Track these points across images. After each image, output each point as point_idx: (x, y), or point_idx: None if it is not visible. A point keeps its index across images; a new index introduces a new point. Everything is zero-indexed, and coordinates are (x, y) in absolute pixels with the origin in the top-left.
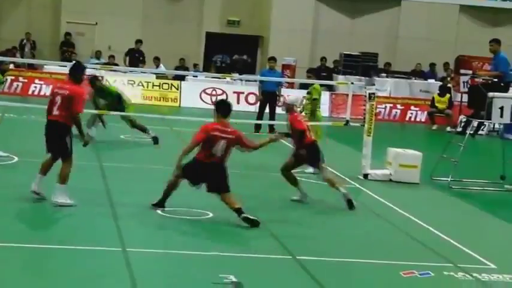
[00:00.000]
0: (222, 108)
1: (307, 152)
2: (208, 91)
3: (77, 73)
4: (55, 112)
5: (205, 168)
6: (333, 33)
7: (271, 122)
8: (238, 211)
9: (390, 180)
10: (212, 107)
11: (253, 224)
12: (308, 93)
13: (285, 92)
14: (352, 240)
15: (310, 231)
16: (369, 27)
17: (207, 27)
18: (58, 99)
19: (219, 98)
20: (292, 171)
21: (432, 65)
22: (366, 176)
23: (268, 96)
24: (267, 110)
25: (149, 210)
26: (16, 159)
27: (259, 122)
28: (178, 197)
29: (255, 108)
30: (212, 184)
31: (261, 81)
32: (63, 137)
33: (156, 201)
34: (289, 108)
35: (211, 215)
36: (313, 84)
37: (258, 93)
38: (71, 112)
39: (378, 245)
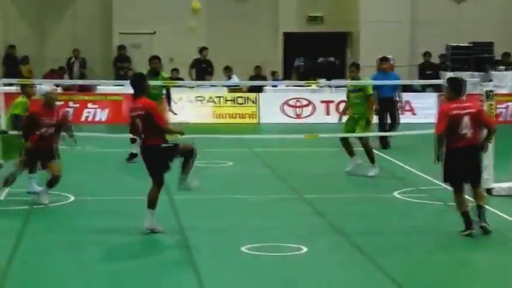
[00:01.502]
0: (455, 86)
1: None
2: (291, 102)
3: (138, 85)
4: (142, 136)
5: (463, 155)
6: (436, 22)
7: (394, 134)
8: (479, 211)
9: None
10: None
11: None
12: (354, 90)
13: (405, 96)
14: (482, 268)
15: (423, 257)
16: (480, 12)
17: (284, 27)
18: (138, 122)
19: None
20: None
21: None
22: (489, 191)
23: (385, 103)
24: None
25: (231, 249)
26: (72, 198)
27: (385, 134)
28: (265, 230)
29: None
30: (473, 176)
31: (376, 87)
32: (156, 158)
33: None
34: None
35: (305, 249)
36: (356, 75)
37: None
38: (158, 130)
39: None
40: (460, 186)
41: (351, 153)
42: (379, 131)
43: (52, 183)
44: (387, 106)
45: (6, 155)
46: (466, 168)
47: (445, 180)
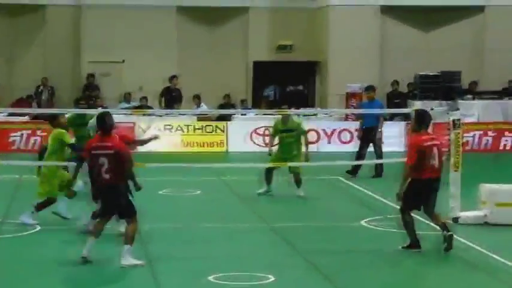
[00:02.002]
0: (418, 117)
1: None
2: (260, 131)
3: (104, 123)
4: (105, 176)
5: (430, 185)
6: (404, 51)
7: (380, 161)
8: (444, 227)
9: (485, 223)
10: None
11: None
12: (287, 130)
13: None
14: None
15: (392, 285)
16: (448, 41)
17: (253, 56)
18: (103, 161)
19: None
20: None
21: None
22: (455, 219)
23: (368, 133)
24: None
25: (198, 279)
26: (38, 228)
27: (359, 162)
28: (233, 259)
29: (316, 148)
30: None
31: (362, 115)
32: (124, 199)
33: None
34: None
35: (272, 278)
36: (288, 115)
37: (358, 129)
38: (125, 171)
39: None
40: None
41: (269, 181)
42: (356, 159)
43: None
44: (370, 135)
45: (44, 191)
46: (429, 196)
47: (409, 209)
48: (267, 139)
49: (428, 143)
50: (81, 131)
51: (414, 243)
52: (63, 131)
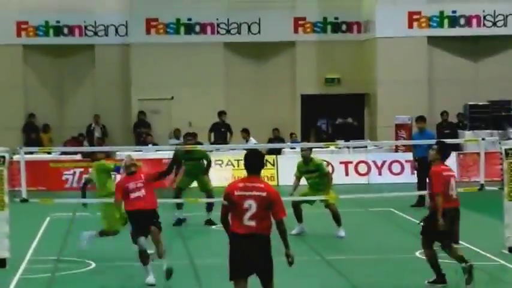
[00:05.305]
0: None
1: None
2: None
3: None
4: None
5: (453, 215)
6: (453, 81)
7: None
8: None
9: None
10: None
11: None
12: (309, 171)
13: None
14: None
15: None
16: (497, 70)
17: (302, 89)
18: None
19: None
20: None
21: None
22: (511, 249)
23: (420, 163)
24: None
25: None
26: (93, 264)
27: (421, 193)
28: None
29: (367, 180)
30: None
31: (414, 146)
32: None
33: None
34: None
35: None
36: (308, 157)
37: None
38: None
39: None
40: None
41: (300, 218)
42: (418, 190)
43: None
44: (423, 165)
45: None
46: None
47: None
48: None
49: (447, 173)
50: (188, 165)
51: (441, 277)
52: (102, 161)
